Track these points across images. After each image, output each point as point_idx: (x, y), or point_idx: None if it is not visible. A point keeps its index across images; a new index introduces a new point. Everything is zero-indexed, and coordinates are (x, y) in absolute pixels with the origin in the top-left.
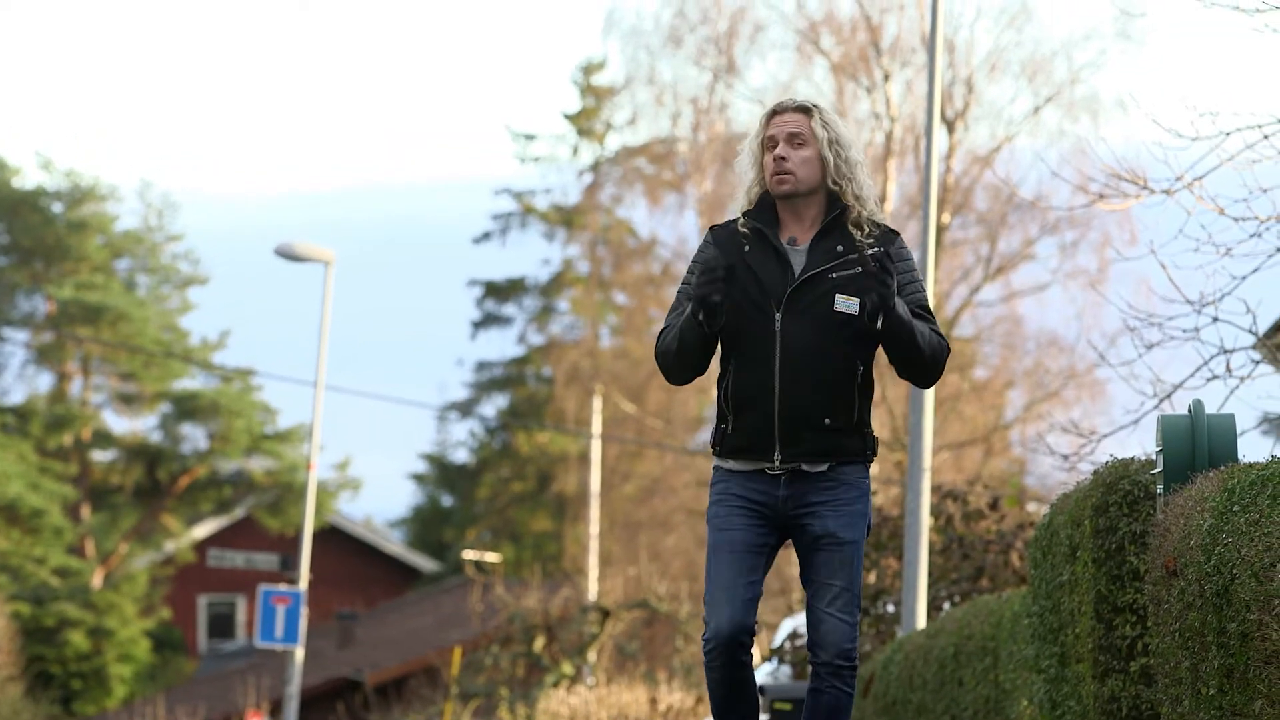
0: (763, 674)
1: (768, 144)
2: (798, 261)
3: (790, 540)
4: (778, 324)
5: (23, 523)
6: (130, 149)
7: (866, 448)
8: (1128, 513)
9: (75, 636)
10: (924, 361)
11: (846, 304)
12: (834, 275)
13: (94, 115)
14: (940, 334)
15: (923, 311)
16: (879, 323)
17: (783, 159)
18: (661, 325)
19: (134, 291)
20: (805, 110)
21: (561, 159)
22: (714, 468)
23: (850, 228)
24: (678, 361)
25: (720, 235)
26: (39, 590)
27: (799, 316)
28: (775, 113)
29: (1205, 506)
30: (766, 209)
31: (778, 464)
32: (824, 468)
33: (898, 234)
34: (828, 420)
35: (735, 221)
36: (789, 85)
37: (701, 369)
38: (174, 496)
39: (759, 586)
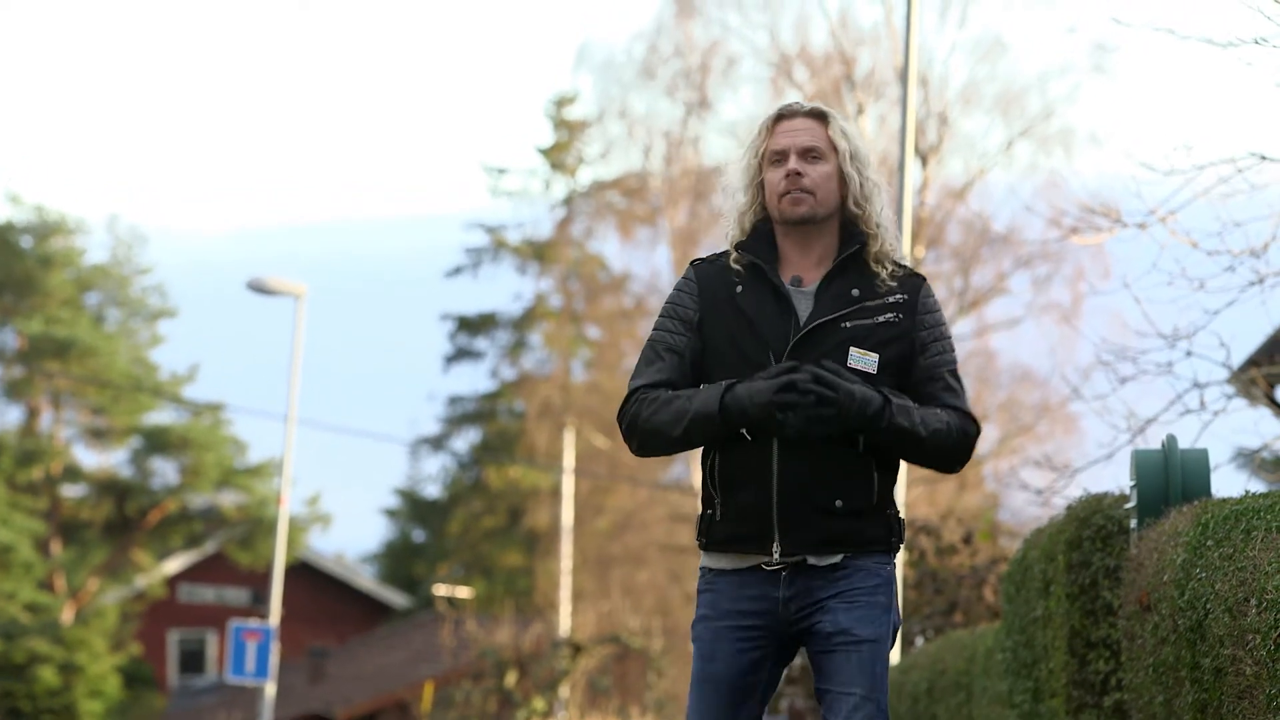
0: None
1: (772, 158)
2: (803, 306)
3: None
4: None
5: None
6: (99, 183)
7: (891, 534)
8: (1101, 547)
9: (45, 672)
10: (933, 463)
11: (864, 359)
12: (848, 324)
13: (63, 149)
14: (963, 413)
15: (950, 380)
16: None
17: (799, 174)
18: (635, 376)
19: (103, 325)
20: (820, 116)
21: (534, 193)
22: (700, 568)
23: (871, 264)
24: (667, 449)
25: (706, 272)
26: (9, 626)
27: None
28: (781, 117)
29: (1179, 541)
30: (763, 240)
31: (776, 557)
32: (836, 559)
33: (924, 279)
34: (839, 503)
35: (724, 255)
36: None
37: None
38: (144, 531)
39: (756, 716)
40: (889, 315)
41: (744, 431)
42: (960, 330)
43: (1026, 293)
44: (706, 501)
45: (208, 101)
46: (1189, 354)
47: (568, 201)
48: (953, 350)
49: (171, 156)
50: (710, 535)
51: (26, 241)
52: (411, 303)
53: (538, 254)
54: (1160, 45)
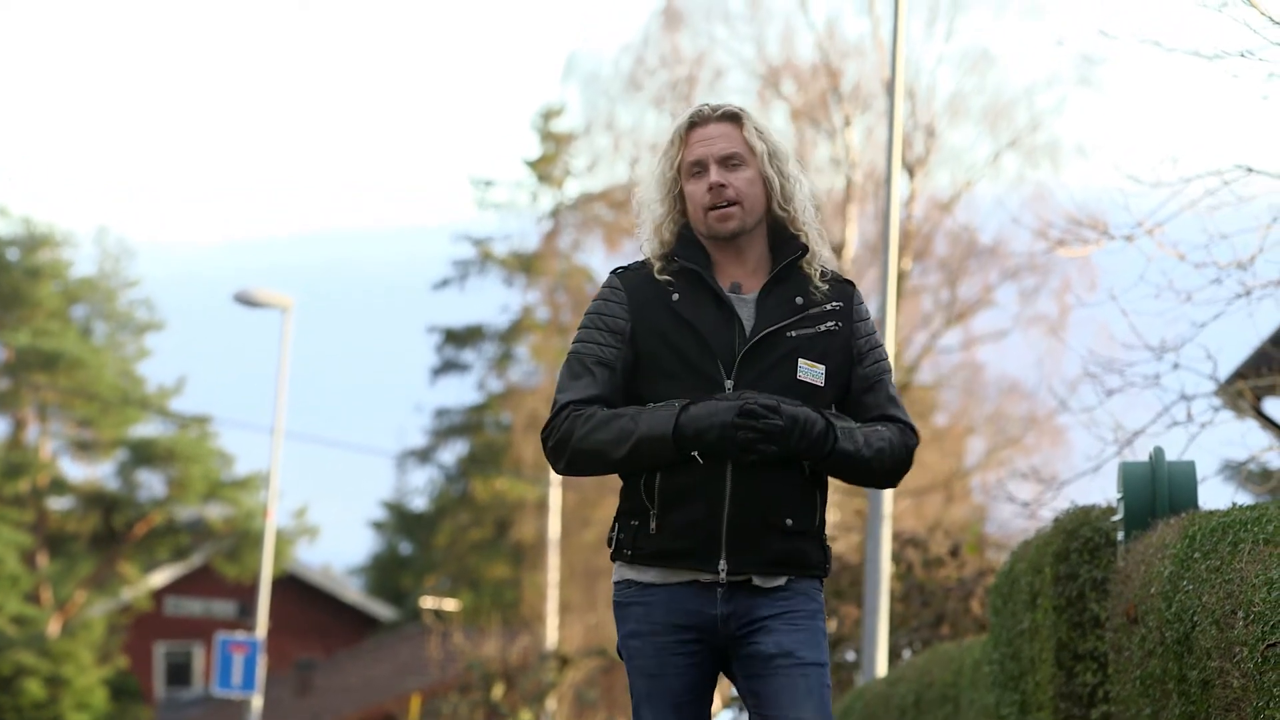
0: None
1: (690, 170)
2: (746, 315)
3: (730, 670)
4: (729, 394)
5: None
6: (86, 195)
7: (825, 559)
8: (1089, 560)
9: (32, 685)
10: (874, 482)
11: (811, 371)
12: (793, 334)
13: (50, 161)
14: (904, 424)
15: (891, 389)
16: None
17: (721, 186)
18: (561, 390)
19: (90, 338)
20: (733, 118)
21: (520, 205)
22: (618, 581)
23: (806, 269)
24: (603, 470)
25: (633, 281)
26: None
27: (753, 386)
28: (694, 124)
29: (1166, 553)
30: (693, 245)
31: (723, 575)
32: (780, 582)
33: (854, 285)
34: (790, 520)
35: (646, 264)
36: None
37: None
38: (131, 544)
39: None
40: (830, 323)
41: (695, 454)
42: (947, 342)
43: (1013, 305)
44: (633, 513)
45: (195, 115)
46: (1176, 366)
47: (554, 214)
48: (887, 358)
49: (159, 169)
50: (638, 548)
51: (13, 254)
52: (398, 315)
53: (525, 266)
54: (1147, 58)
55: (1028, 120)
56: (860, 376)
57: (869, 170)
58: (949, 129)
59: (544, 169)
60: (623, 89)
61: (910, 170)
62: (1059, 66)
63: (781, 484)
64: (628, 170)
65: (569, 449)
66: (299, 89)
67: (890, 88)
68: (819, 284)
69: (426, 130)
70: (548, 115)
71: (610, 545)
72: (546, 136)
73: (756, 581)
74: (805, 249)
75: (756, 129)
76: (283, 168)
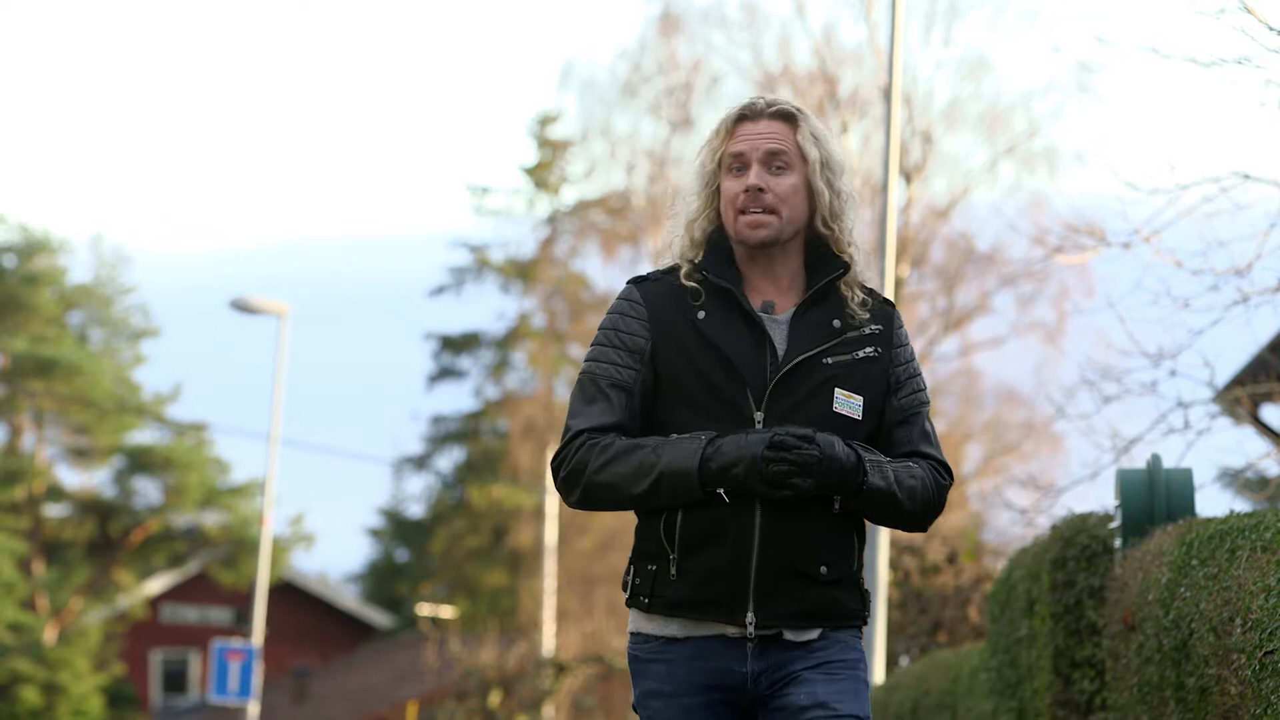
0: None
1: (730, 165)
2: (778, 338)
3: None
4: (759, 428)
5: None
6: (82, 202)
7: (863, 606)
8: (1086, 567)
9: (28, 692)
10: (904, 524)
11: (849, 403)
12: (829, 360)
13: (47, 168)
14: (937, 463)
15: (926, 424)
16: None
17: (759, 190)
18: (573, 415)
19: (86, 345)
20: (788, 117)
21: (517, 212)
22: (634, 633)
23: (844, 290)
24: (619, 506)
25: (654, 293)
26: None
27: (786, 419)
28: (744, 118)
29: (1163, 561)
30: (723, 256)
31: (751, 629)
32: (814, 635)
33: (894, 307)
34: (824, 569)
35: (672, 273)
36: None
37: None
38: (127, 551)
39: None
40: (868, 349)
41: (721, 492)
42: (944, 349)
43: (1011, 312)
44: (652, 557)
45: (191, 121)
46: (1173, 373)
47: (551, 220)
48: (925, 389)
49: (155, 176)
50: (656, 595)
51: (10, 260)
52: (395, 322)
53: (521, 273)
54: (1144, 65)
55: (1025, 127)
56: (895, 408)
57: (866, 177)
58: (946, 135)
59: (541, 175)
60: (619, 95)
61: (907, 177)
62: (1056, 73)
63: (815, 528)
64: (624, 176)
65: (583, 482)
66: (296, 96)
67: (887, 94)
68: (857, 307)
69: (423, 137)
70: (544, 122)
71: (625, 590)
72: (543, 143)
73: (788, 636)
74: (847, 267)
75: (813, 134)
76: (279, 174)
